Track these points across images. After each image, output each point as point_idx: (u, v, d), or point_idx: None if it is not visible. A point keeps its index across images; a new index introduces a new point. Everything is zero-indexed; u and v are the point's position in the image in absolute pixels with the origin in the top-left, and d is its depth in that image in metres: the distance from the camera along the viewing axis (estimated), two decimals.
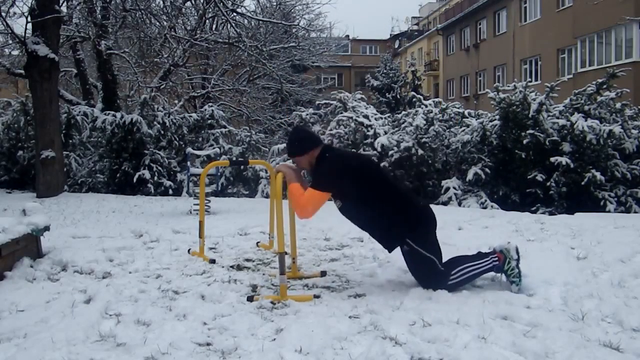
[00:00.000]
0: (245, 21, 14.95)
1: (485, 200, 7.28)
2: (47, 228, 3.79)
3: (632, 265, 3.27)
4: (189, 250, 4.03)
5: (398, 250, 2.97)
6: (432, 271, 2.86)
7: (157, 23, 13.27)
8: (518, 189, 7.62)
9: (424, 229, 2.92)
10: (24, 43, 8.76)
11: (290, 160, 3.18)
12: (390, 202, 2.89)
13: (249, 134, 10.92)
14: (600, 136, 7.26)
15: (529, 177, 7.35)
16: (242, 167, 9.88)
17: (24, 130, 10.65)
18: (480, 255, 2.98)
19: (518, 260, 2.90)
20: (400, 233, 2.88)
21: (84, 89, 13.16)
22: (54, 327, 2.41)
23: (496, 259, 2.91)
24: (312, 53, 21.28)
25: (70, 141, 10.48)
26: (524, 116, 7.68)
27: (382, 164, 8.03)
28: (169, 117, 10.19)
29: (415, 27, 42.61)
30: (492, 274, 3.05)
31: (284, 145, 9.87)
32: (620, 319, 2.37)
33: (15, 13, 10.20)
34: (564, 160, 7.12)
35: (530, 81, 9.72)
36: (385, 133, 8.40)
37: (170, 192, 9.29)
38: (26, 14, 9.17)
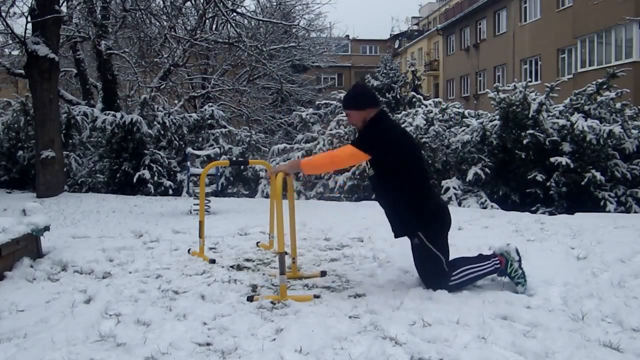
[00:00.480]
0: (245, 21, 14.96)
1: (485, 200, 7.27)
2: (47, 228, 3.79)
3: (632, 265, 3.27)
4: (189, 250, 4.03)
5: (398, 250, 2.97)
6: (437, 269, 2.86)
7: (157, 23, 13.27)
8: (518, 189, 7.62)
9: (439, 226, 2.91)
10: (24, 43, 8.76)
11: (289, 156, 3.16)
12: (419, 189, 2.87)
13: (249, 134, 10.92)
14: (600, 136, 7.26)
15: (529, 177, 7.35)
16: (242, 167, 9.88)
17: (24, 130, 10.66)
18: (481, 258, 2.97)
19: (520, 261, 2.90)
20: (416, 223, 2.86)
21: (84, 89, 13.16)
22: (54, 327, 2.41)
23: (498, 262, 2.90)
24: (312, 53, 21.29)
25: (70, 141, 10.48)
26: (524, 116, 7.68)
27: None
28: (169, 117, 10.20)
29: (415, 27, 42.61)
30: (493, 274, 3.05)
31: (284, 145, 9.89)
32: (620, 319, 2.37)
33: (15, 13, 10.20)
34: (564, 160, 7.12)
35: (530, 81, 9.71)
36: None
37: (170, 192, 9.29)
38: (26, 14, 9.17)
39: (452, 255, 3.02)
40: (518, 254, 2.92)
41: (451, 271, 2.86)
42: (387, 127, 2.89)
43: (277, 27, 16.97)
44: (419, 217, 2.85)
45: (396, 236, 2.99)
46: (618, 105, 7.97)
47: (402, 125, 8.62)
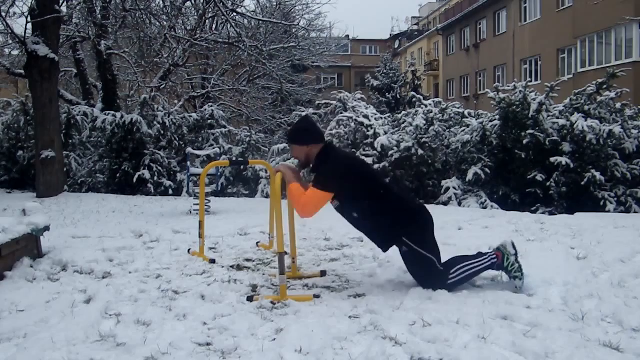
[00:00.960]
0: (245, 21, 14.95)
1: (485, 200, 7.27)
2: (47, 228, 3.79)
3: (632, 265, 3.27)
4: (189, 250, 4.03)
5: (398, 250, 2.97)
6: (432, 271, 2.86)
7: (157, 23, 13.27)
8: (518, 189, 7.62)
9: (419, 228, 2.92)
10: (24, 43, 8.76)
11: (289, 156, 3.19)
12: (387, 202, 2.90)
13: (249, 134, 10.92)
14: (600, 136, 7.26)
15: (529, 177, 7.35)
16: (242, 167, 9.88)
17: (24, 130, 10.66)
18: (478, 255, 2.99)
19: (516, 255, 2.91)
20: (396, 233, 2.89)
21: (84, 89, 13.16)
22: (54, 327, 2.41)
23: (494, 256, 2.91)
24: (312, 53, 21.27)
25: (70, 141, 10.48)
26: (524, 116, 7.68)
27: (382, 164, 8.04)
28: (169, 117, 10.19)
29: (415, 27, 42.62)
30: (492, 273, 3.06)
31: (284, 145, 9.88)
32: (620, 319, 2.37)
33: (15, 13, 10.23)
34: (564, 160, 7.12)
35: (530, 81, 9.71)
36: (385, 133, 8.40)
37: (170, 192, 9.29)
38: (26, 14, 9.18)
39: (452, 255, 3.02)
40: (514, 247, 2.93)
41: (448, 270, 2.86)
42: (335, 159, 2.92)
43: (277, 27, 16.96)
44: (399, 225, 2.89)
45: (384, 250, 3.03)
46: (618, 105, 7.97)
47: (398, 128, 8.65)
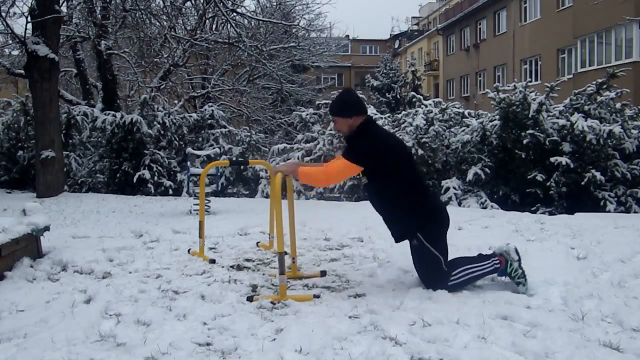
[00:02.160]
0: (245, 21, 14.94)
1: (485, 200, 7.27)
2: (47, 228, 3.79)
3: (632, 265, 3.27)
4: (189, 250, 4.03)
5: (398, 250, 2.98)
6: (437, 270, 2.86)
7: (157, 23, 13.27)
8: (518, 189, 7.62)
9: (438, 227, 2.91)
10: (24, 43, 8.75)
11: (289, 156, 3.17)
12: (414, 193, 2.88)
13: (249, 134, 10.92)
14: (600, 136, 7.25)
15: (529, 177, 7.35)
16: (242, 167, 9.88)
17: (24, 130, 10.66)
18: (481, 258, 2.97)
19: (519, 260, 2.90)
20: (414, 226, 2.87)
21: (84, 89, 13.16)
22: (54, 327, 2.41)
23: (497, 262, 2.90)
24: (312, 53, 21.27)
25: (70, 141, 10.48)
26: (524, 116, 7.68)
27: None
28: (169, 117, 10.20)
29: (415, 27, 42.60)
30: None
31: (284, 145, 9.89)
32: (620, 319, 2.37)
33: (15, 13, 10.22)
34: (564, 160, 7.12)
35: (530, 81, 9.71)
36: None
37: (170, 192, 9.29)
38: (26, 14, 9.18)
39: (452, 255, 3.02)
40: (517, 253, 2.92)
41: (451, 271, 2.86)
42: (375, 136, 2.89)
43: (277, 27, 16.96)
44: (417, 220, 2.87)
45: (397, 241, 3.01)
46: (618, 105, 7.97)
47: (398, 128, 8.64)
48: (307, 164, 2.97)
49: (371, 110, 9.03)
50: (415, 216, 2.86)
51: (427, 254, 2.85)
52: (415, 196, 2.87)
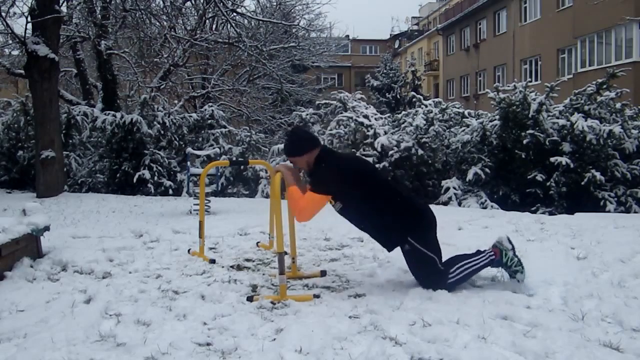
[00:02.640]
0: (245, 21, 14.95)
1: (485, 200, 7.28)
2: (47, 228, 3.79)
3: (632, 265, 3.27)
4: (189, 250, 4.03)
5: (398, 250, 2.97)
6: (433, 270, 2.86)
7: (157, 23, 13.27)
8: (518, 189, 7.62)
9: (424, 229, 2.92)
10: (24, 43, 8.76)
11: (289, 161, 3.19)
12: (390, 202, 2.90)
13: (249, 134, 10.92)
14: (600, 136, 7.26)
15: (529, 177, 7.35)
16: (242, 167, 9.88)
17: (24, 130, 10.66)
18: (477, 253, 2.99)
19: (513, 249, 2.94)
20: (401, 233, 2.89)
21: (84, 89, 13.17)
22: (54, 327, 2.41)
23: (492, 253, 2.92)
24: (312, 53, 21.28)
25: (70, 141, 10.49)
26: (524, 116, 7.68)
27: (382, 164, 8.03)
28: (169, 117, 10.20)
29: (415, 27, 42.59)
30: (492, 273, 3.06)
31: (284, 145, 9.88)
32: (620, 319, 2.37)
33: (15, 13, 10.22)
34: (564, 160, 7.12)
35: (530, 81, 9.71)
36: (385, 133, 8.41)
37: (170, 192, 9.29)
38: (26, 14, 9.18)
39: (452, 255, 3.02)
40: (510, 242, 2.96)
41: (448, 269, 2.87)
42: (332, 162, 2.92)
43: (277, 27, 16.96)
44: (403, 224, 2.89)
45: (389, 250, 3.02)
46: (618, 105, 7.98)
47: (398, 128, 8.64)
48: (298, 183, 3.00)
49: (371, 110, 9.05)
50: (400, 221, 2.89)
51: (420, 256, 2.86)
52: (394, 203, 2.90)
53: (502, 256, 2.90)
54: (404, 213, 2.91)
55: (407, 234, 2.87)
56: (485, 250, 2.97)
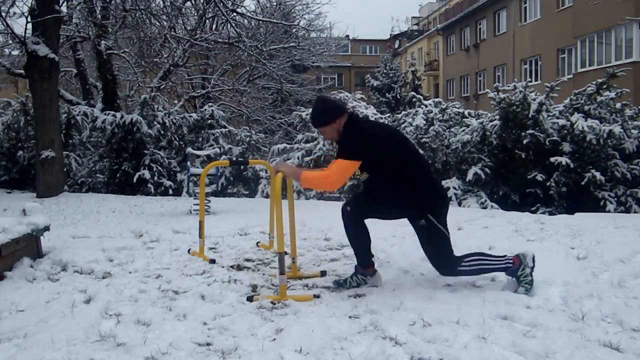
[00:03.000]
0: (245, 21, 14.95)
1: (485, 200, 7.27)
2: (47, 228, 3.79)
3: (632, 265, 3.27)
4: (189, 250, 4.03)
5: (398, 250, 2.97)
6: (448, 250, 2.84)
7: (157, 23, 13.27)
8: (518, 189, 7.62)
9: (441, 213, 2.87)
10: (24, 43, 8.76)
11: (288, 156, 3.15)
12: (415, 174, 2.84)
13: (249, 134, 10.92)
14: (600, 136, 7.26)
15: (529, 177, 7.35)
16: (242, 167, 9.88)
17: (24, 130, 10.66)
18: (498, 256, 2.94)
19: (533, 268, 2.85)
20: (421, 207, 2.82)
21: (84, 89, 13.17)
22: (54, 327, 2.41)
23: (511, 262, 2.85)
24: (312, 53, 21.29)
25: (70, 141, 10.49)
26: (524, 116, 7.68)
27: None
28: (169, 117, 10.20)
29: (415, 27, 42.60)
30: (493, 274, 3.05)
31: (284, 144, 9.89)
32: (620, 319, 2.37)
33: (15, 13, 10.22)
34: (563, 160, 7.12)
35: (530, 81, 9.71)
36: None
37: (170, 192, 9.29)
38: (26, 14, 9.18)
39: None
40: (534, 261, 2.87)
41: (463, 257, 2.85)
42: (362, 128, 2.86)
43: (277, 27, 16.96)
44: (424, 199, 2.83)
45: (413, 221, 2.89)
46: (618, 105, 7.97)
47: (398, 128, 8.64)
48: (307, 168, 2.97)
49: (371, 110, 9.06)
50: (422, 196, 2.82)
51: (436, 232, 2.81)
52: (419, 176, 2.84)
53: (519, 268, 2.83)
54: (426, 188, 2.85)
55: (427, 209, 2.80)
56: (506, 256, 2.91)
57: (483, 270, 2.88)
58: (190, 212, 6.32)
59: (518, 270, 2.83)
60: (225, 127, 10.91)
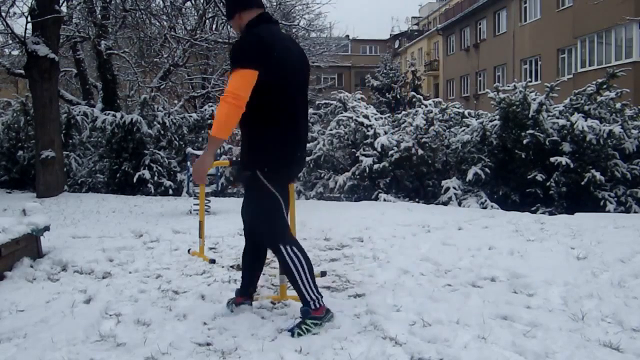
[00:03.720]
0: None
1: (485, 200, 7.27)
2: (47, 228, 3.79)
3: (632, 265, 3.27)
4: (189, 250, 4.03)
5: (398, 250, 2.97)
6: (273, 219, 2.36)
7: (157, 23, 13.27)
8: (518, 189, 7.62)
9: (281, 177, 2.40)
10: (24, 43, 8.76)
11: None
12: (279, 122, 2.31)
13: None
14: (600, 136, 7.26)
15: (529, 177, 7.35)
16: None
17: (24, 130, 10.67)
18: (314, 286, 2.41)
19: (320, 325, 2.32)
20: (259, 160, 2.33)
21: (84, 89, 13.17)
22: (54, 327, 2.41)
23: (319, 306, 2.37)
24: (312, 53, 21.26)
25: (70, 141, 10.49)
26: (524, 116, 7.68)
27: (382, 164, 8.03)
28: (169, 117, 10.20)
29: (415, 27, 42.59)
30: (492, 273, 3.05)
31: None
32: (620, 319, 2.37)
33: (15, 13, 10.23)
34: (563, 160, 7.12)
35: (530, 81, 9.70)
36: (385, 133, 8.41)
37: (170, 192, 9.29)
38: (26, 14, 9.18)
39: (453, 255, 3.02)
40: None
41: (294, 242, 2.45)
42: (258, 33, 2.28)
43: None
44: (268, 156, 2.32)
45: (244, 170, 2.43)
46: (618, 105, 7.97)
47: (398, 128, 8.64)
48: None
49: (371, 110, 9.05)
50: (269, 149, 2.30)
51: (262, 189, 2.31)
52: (279, 126, 2.30)
53: (316, 317, 2.32)
54: (282, 143, 2.31)
55: (263, 164, 2.31)
56: (320, 298, 2.40)
57: (294, 273, 2.37)
58: (190, 212, 6.32)
59: (310, 317, 2.32)
60: None
